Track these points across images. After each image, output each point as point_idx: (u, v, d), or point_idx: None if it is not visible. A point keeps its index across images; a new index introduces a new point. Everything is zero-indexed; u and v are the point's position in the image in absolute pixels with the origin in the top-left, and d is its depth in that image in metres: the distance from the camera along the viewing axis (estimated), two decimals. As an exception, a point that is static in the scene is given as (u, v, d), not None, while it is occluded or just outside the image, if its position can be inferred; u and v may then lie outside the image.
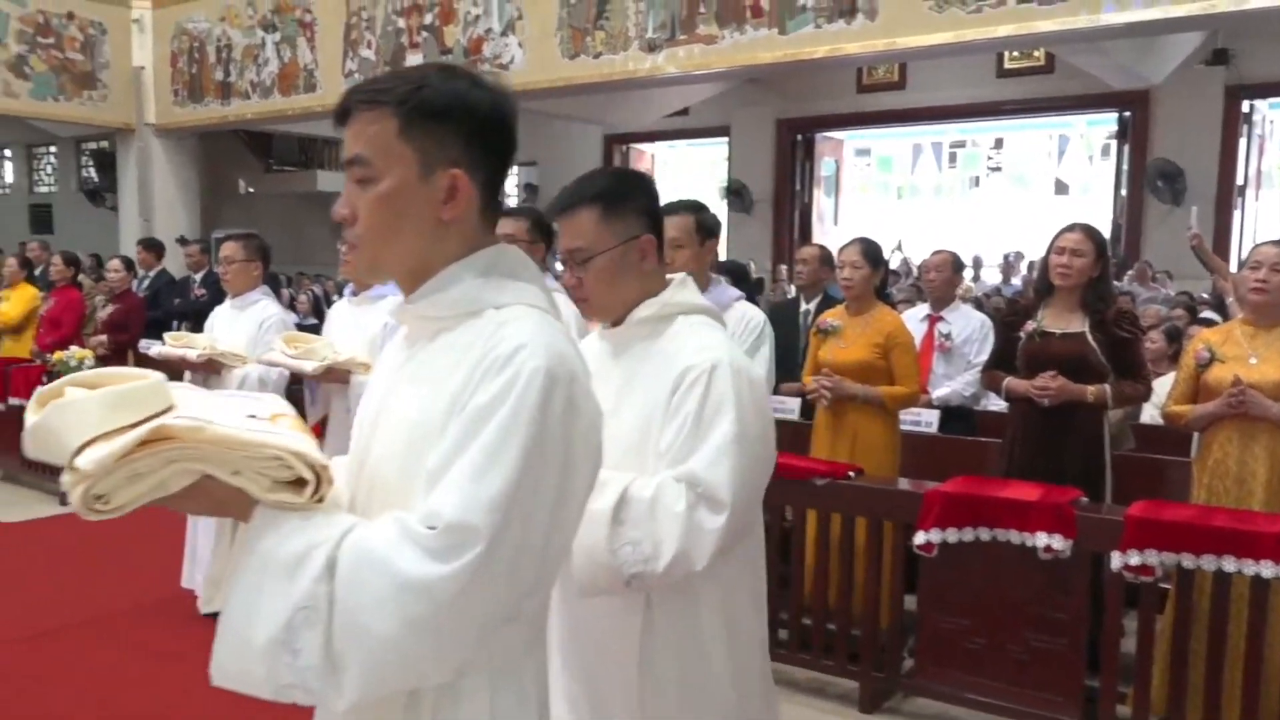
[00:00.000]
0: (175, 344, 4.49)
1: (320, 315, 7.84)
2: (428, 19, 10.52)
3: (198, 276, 8.55)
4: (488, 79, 1.42)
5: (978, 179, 16.32)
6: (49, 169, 20.12)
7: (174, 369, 4.33)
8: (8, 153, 20.84)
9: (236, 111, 12.44)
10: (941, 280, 5.45)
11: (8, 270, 8.25)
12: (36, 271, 8.91)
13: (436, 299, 1.40)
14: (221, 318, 4.71)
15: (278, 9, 11.82)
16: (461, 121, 1.36)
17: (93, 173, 18.47)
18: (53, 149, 19.67)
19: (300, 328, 5.09)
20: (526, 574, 1.28)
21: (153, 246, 9.16)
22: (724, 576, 1.93)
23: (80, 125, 13.77)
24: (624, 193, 1.94)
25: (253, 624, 1.23)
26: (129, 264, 7.96)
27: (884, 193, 16.94)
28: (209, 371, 4.47)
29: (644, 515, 1.78)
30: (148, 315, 7.77)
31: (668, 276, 2.03)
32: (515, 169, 18.42)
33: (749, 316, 3.17)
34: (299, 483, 1.28)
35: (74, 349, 6.54)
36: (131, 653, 4.30)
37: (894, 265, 11.17)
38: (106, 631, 4.50)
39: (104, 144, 16.96)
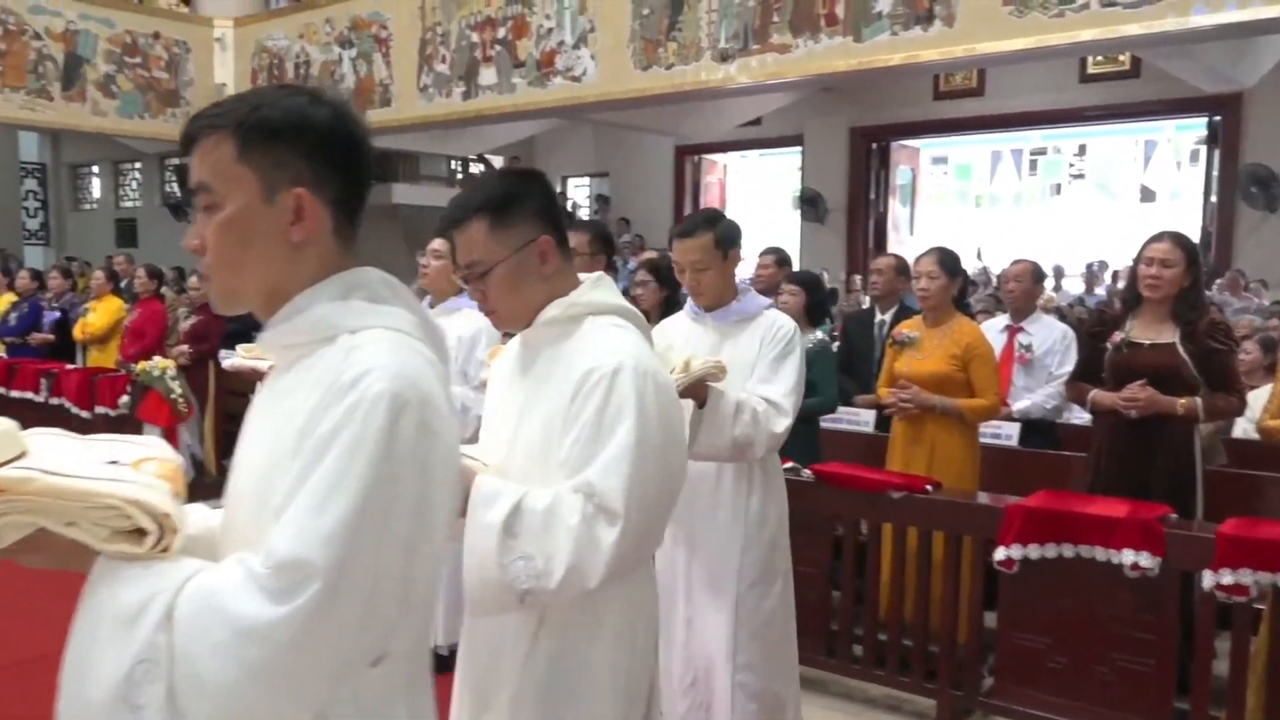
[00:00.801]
0: (247, 355, 4.57)
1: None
2: (501, 33, 10.62)
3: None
4: (330, 95, 1.37)
5: (1059, 186, 15.99)
6: (134, 184, 20.69)
7: (247, 380, 4.39)
8: (95, 169, 21.49)
9: (314, 126, 12.67)
10: (1021, 290, 5.33)
11: (95, 283, 8.52)
12: (122, 284, 9.16)
13: (290, 325, 1.33)
14: None
15: (355, 25, 12.03)
16: (300, 139, 1.31)
17: (175, 188, 18.95)
18: (138, 165, 20.23)
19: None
20: (384, 610, 1.20)
21: None
22: (613, 608, 1.83)
23: (164, 141, 14.16)
24: (512, 197, 1.86)
25: (90, 681, 1.15)
26: (111, 275, 8.11)
27: (961, 201, 16.69)
28: None
29: (538, 528, 1.68)
30: (227, 326, 7.93)
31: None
32: (587, 180, 18.61)
33: (778, 324, 3.07)
34: (143, 532, 1.21)
35: (156, 359, 6.70)
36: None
37: (972, 275, 10.96)
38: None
39: (186, 159, 17.37)
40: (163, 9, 13.38)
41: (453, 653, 4.14)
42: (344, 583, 1.15)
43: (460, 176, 17.72)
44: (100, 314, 8.16)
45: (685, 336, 3.15)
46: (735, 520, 3.04)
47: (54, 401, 7.51)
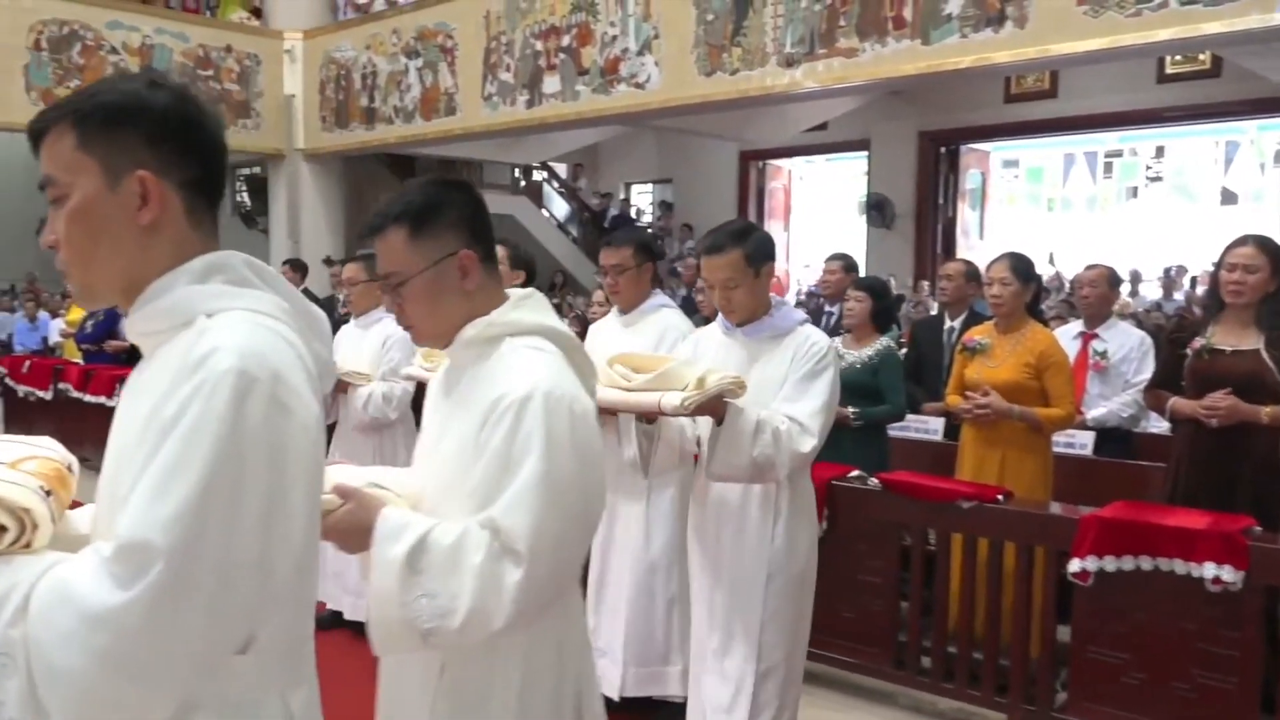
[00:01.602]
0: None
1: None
2: (565, 41, 10.66)
3: (343, 295, 8.82)
4: (171, 79, 1.34)
5: (1136, 189, 15.63)
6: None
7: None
8: (168, 180, 22.04)
9: (380, 136, 12.85)
10: (1097, 296, 5.21)
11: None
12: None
13: (148, 311, 1.30)
14: (346, 337, 4.84)
15: (421, 36, 12.17)
16: (139, 122, 1.29)
17: (246, 197, 19.35)
18: (210, 175, 20.69)
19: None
20: (240, 596, 1.18)
21: (298, 267, 9.49)
22: (523, 647, 1.72)
23: (235, 152, 14.45)
24: (434, 207, 1.76)
25: None
26: None
27: (1033, 205, 16.39)
28: (336, 390, 4.61)
29: (443, 564, 1.58)
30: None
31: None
32: (650, 186, 18.63)
33: (812, 341, 2.93)
34: (3, 529, 1.21)
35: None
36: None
37: (1045, 280, 10.75)
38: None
39: (257, 169, 17.76)
40: (235, 23, 13.66)
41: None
42: (189, 566, 1.13)
43: (524, 184, 17.85)
44: (174, 321, 8.32)
45: (716, 350, 3.07)
46: (760, 549, 2.96)
47: (129, 406, 7.69)
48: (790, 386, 2.87)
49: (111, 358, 8.63)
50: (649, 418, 2.93)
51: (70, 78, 11.84)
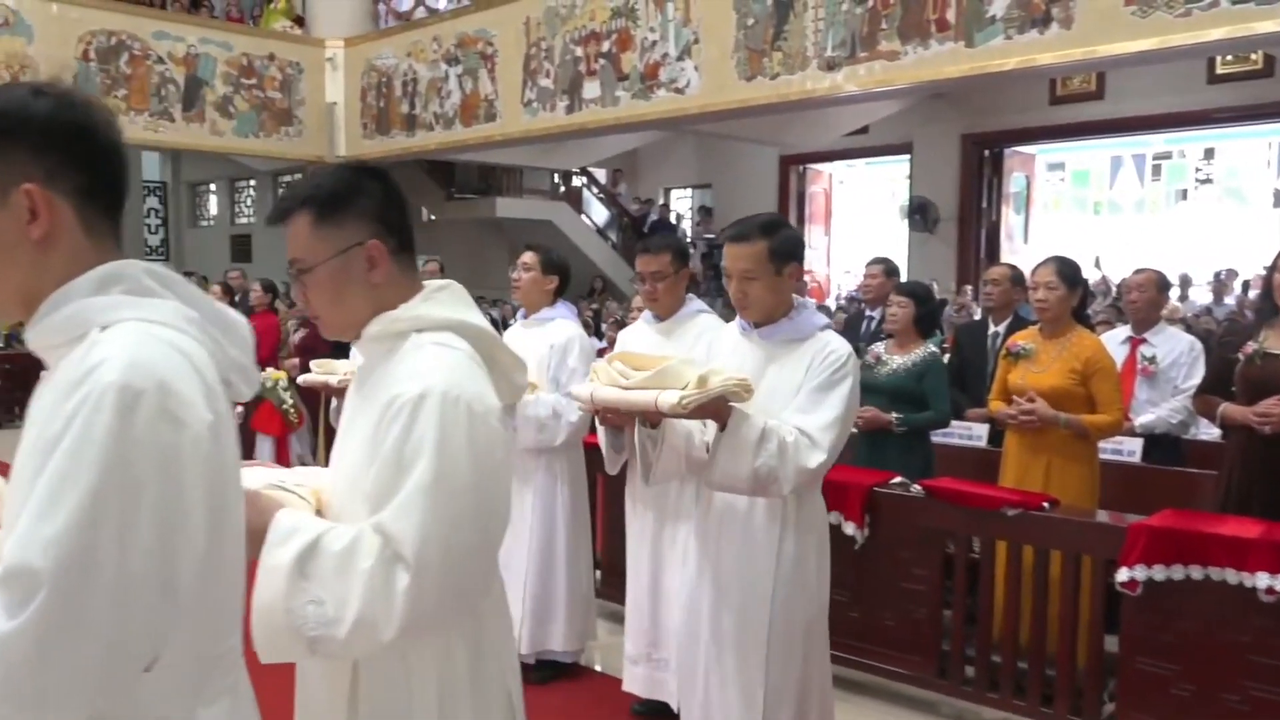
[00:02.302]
0: (319, 370, 4.65)
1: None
2: (605, 46, 10.68)
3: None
4: (55, 87, 1.30)
5: (1185, 192, 15.38)
6: (248, 201, 21.47)
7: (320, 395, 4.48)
8: (212, 187, 22.38)
9: (420, 142, 12.94)
10: (1145, 300, 5.12)
11: (212, 297, 8.78)
12: (236, 298, 9.44)
13: (44, 325, 1.26)
14: None
15: (461, 43, 12.24)
16: (22, 133, 1.25)
17: (288, 204, 19.57)
18: (252, 183, 20.99)
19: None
20: (140, 612, 1.14)
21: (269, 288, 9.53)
22: (437, 656, 1.66)
23: (277, 159, 14.61)
24: (342, 195, 1.68)
25: None
26: (227, 289, 8.34)
27: (1079, 208, 16.18)
28: (342, 395, 4.61)
29: (332, 570, 1.49)
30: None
31: (427, 283, 1.76)
32: (690, 191, 18.61)
33: (830, 348, 2.75)
34: None
35: (269, 371, 6.88)
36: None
37: (1091, 285, 10.60)
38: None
39: (299, 176, 17.95)
40: (277, 32, 13.83)
41: (539, 662, 4.20)
42: (76, 586, 1.09)
43: (563, 190, 17.91)
44: (218, 327, 8.42)
45: (731, 351, 2.93)
46: (767, 565, 2.80)
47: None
48: (804, 396, 2.71)
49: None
50: (652, 420, 2.70)
51: (118, 87, 12.05)
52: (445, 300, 1.73)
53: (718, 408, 2.57)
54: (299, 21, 14.16)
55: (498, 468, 1.61)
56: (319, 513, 1.67)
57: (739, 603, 2.83)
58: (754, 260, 2.76)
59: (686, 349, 3.54)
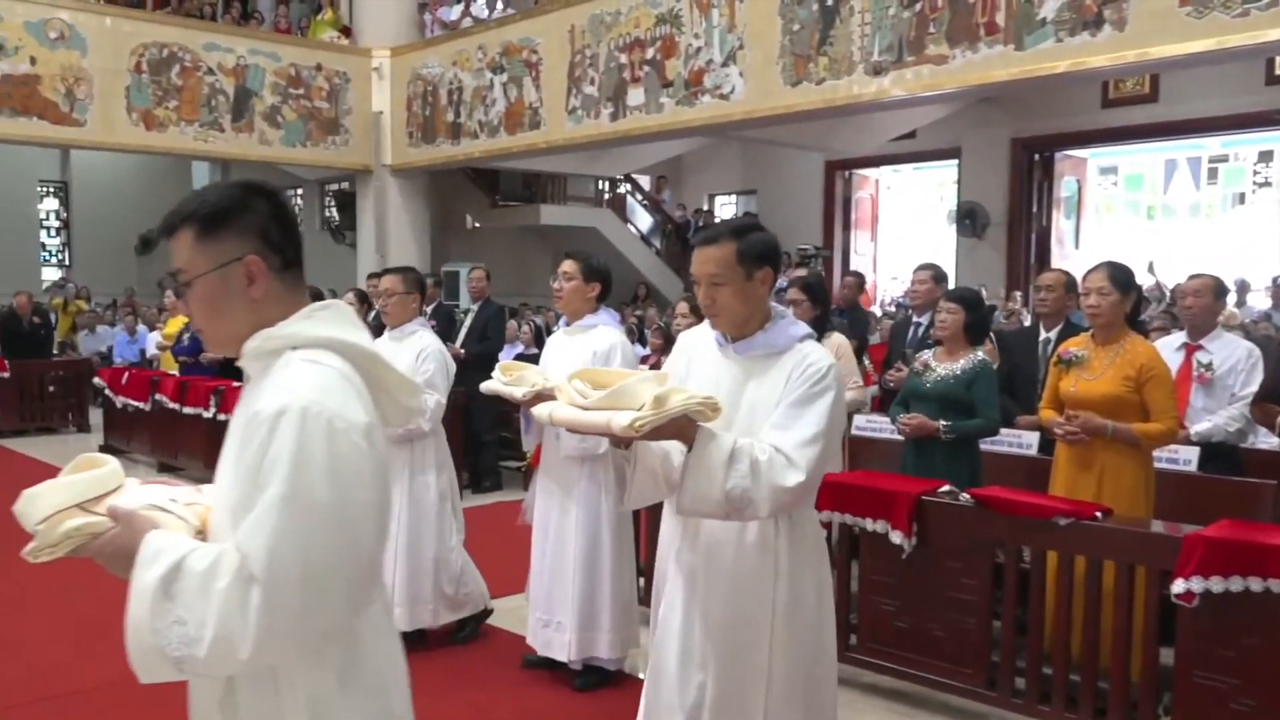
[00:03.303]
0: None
1: (541, 344, 8.04)
2: (649, 53, 10.68)
3: (428, 309, 8.91)
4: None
5: (1242, 196, 15.07)
6: (296, 209, 21.73)
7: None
8: (260, 196, 22.71)
9: (465, 150, 13.03)
10: (1201, 306, 5.02)
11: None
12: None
13: None
14: (381, 349, 4.83)
15: (506, 51, 12.32)
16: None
17: (334, 212, 19.83)
18: (299, 191, 21.26)
19: (520, 357, 5.20)
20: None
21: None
22: (305, 680, 1.64)
23: (324, 168, 14.77)
24: (225, 211, 1.69)
25: None
26: (362, 297, 8.41)
27: (1132, 213, 15.92)
28: None
29: (194, 590, 1.50)
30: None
31: (324, 304, 1.76)
32: (734, 198, 18.57)
33: (810, 360, 2.53)
34: None
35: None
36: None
37: (1145, 291, 10.42)
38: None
39: (345, 185, 18.17)
40: (325, 42, 14.01)
41: (586, 668, 4.20)
42: None
43: (607, 197, 17.95)
44: (266, 334, 8.52)
45: (709, 368, 2.71)
46: (760, 601, 2.57)
47: (222, 418, 7.89)
48: (780, 412, 2.49)
49: (207, 370, 8.86)
50: (624, 442, 2.50)
51: (169, 98, 12.27)
52: (325, 319, 1.72)
53: (680, 428, 2.38)
54: (346, 32, 14.32)
55: (363, 484, 1.58)
56: (202, 533, 1.66)
57: (731, 655, 2.60)
58: (722, 264, 2.58)
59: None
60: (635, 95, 10.82)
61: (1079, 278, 4.61)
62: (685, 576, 2.69)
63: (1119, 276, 4.17)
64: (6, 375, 10.81)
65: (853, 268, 16.58)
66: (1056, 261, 13.75)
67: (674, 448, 2.51)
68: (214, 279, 1.68)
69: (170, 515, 1.64)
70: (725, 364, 2.66)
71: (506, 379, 4.07)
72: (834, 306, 11.30)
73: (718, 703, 2.60)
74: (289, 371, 1.62)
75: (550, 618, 4.30)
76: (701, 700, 2.61)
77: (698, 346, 2.84)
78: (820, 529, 2.74)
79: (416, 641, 4.70)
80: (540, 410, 2.66)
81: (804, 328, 2.67)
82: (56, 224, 20.55)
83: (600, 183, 17.79)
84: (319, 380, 1.60)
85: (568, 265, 4.31)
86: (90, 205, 20.09)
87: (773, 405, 2.51)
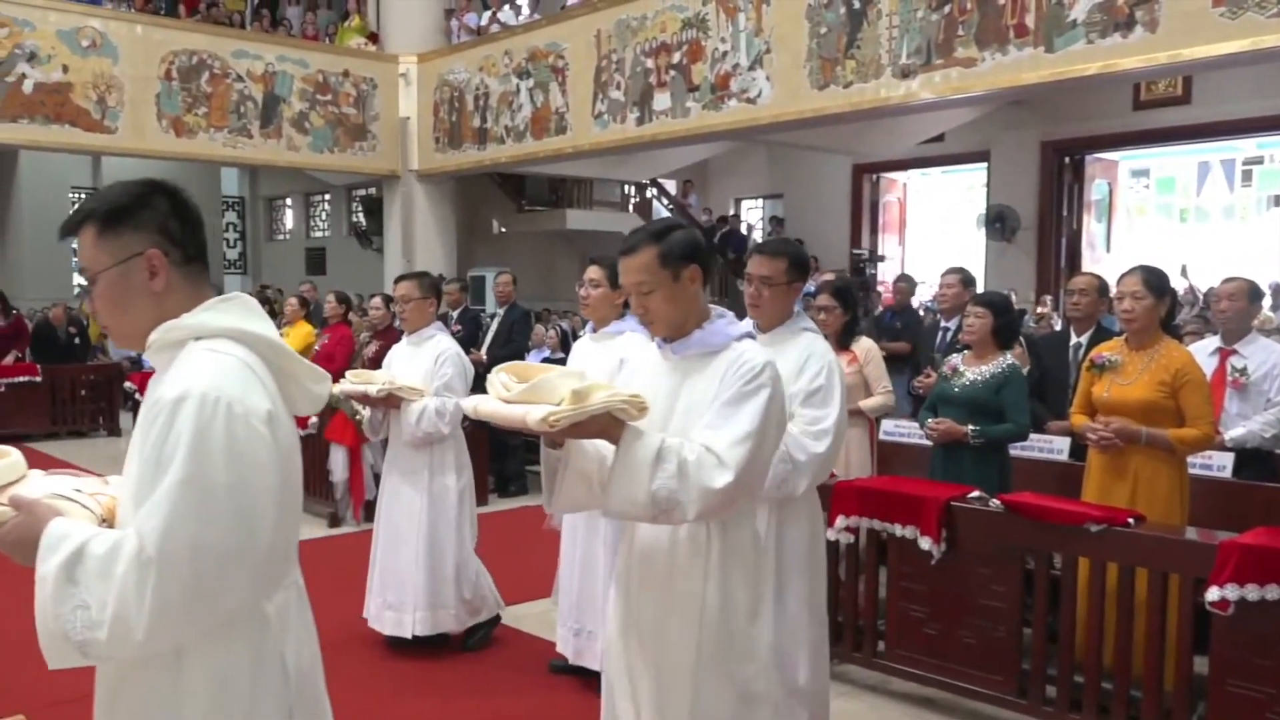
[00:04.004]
0: (356, 380, 4.68)
1: (567, 349, 8.04)
2: (676, 57, 10.67)
3: (455, 313, 8.94)
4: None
5: (1277, 198, 14.87)
6: (323, 215, 21.92)
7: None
8: (288, 202, 22.89)
9: (492, 155, 13.07)
10: (1235, 310, 4.95)
11: (289, 309, 8.95)
12: (310, 309, 9.61)
13: None
14: (399, 354, 4.90)
15: (532, 56, 12.35)
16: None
17: (361, 217, 19.96)
18: (327, 196, 21.42)
19: (547, 362, 5.20)
20: None
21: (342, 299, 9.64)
22: (212, 666, 1.65)
23: (351, 174, 14.86)
24: (125, 207, 1.72)
25: None
26: (389, 301, 8.42)
27: (1165, 216, 15.74)
28: (389, 406, 4.66)
29: (95, 573, 1.52)
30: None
31: (227, 296, 1.78)
32: (761, 202, 18.51)
33: (745, 358, 2.44)
34: None
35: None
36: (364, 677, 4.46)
37: (1179, 294, 10.29)
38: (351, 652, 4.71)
39: (372, 190, 18.28)
40: (352, 49, 14.10)
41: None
42: None
43: (634, 201, 17.95)
44: (293, 339, 8.57)
45: (652, 371, 2.63)
46: (689, 611, 2.44)
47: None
48: (713, 411, 2.39)
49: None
50: (557, 441, 2.46)
51: (198, 105, 12.40)
52: (228, 309, 1.75)
53: (604, 426, 2.29)
54: (373, 38, 14.41)
55: (261, 469, 1.61)
56: (106, 522, 1.69)
57: (660, 657, 2.49)
58: (645, 271, 2.49)
59: (784, 371, 3.31)
60: (662, 99, 10.82)
61: (1113, 281, 4.55)
62: (622, 585, 2.61)
63: (1153, 280, 4.12)
64: (39, 380, 10.93)
65: (882, 273, 16.49)
66: (1087, 265, 13.62)
67: (611, 450, 2.41)
68: (116, 274, 1.72)
69: (74, 504, 1.68)
70: (664, 365, 2.59)
71: (356, 380, 4.31)
72: (885, 309, 11.30)
73: (652, 708, 2.51)
74: (190, 360, 1.65)
75: (581, 626, 4.27)
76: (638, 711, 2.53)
77: (647, 354, 2.76)
78: (758, 532, 2.58)
79: (437, 646, 4.70)
80: (467, 402, 2.62)
81: (743, 327, 2.58)
82: (87, 230, 20.74)
83: (626, 187, 17.79)
84: (218, 367, 1.64)
85: (594, 272, 4.29)
86: (121, 211, 20.26)
87: (708, 405, 2.42)
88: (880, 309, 11.65)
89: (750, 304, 3.40)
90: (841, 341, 5.22)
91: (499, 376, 2.43)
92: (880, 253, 16.52)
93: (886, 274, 15.92)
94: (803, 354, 3.25)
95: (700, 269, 2.51)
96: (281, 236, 23.32)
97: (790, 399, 3.17)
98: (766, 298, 3.34)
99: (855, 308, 5.41)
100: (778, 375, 2.46)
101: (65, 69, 11.58)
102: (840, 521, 4.23)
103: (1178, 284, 11.07)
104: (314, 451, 7.47)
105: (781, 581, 2.89)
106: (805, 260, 3.52)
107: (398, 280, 5.03)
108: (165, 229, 1.74)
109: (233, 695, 1.66)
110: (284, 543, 1.72)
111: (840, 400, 3.14)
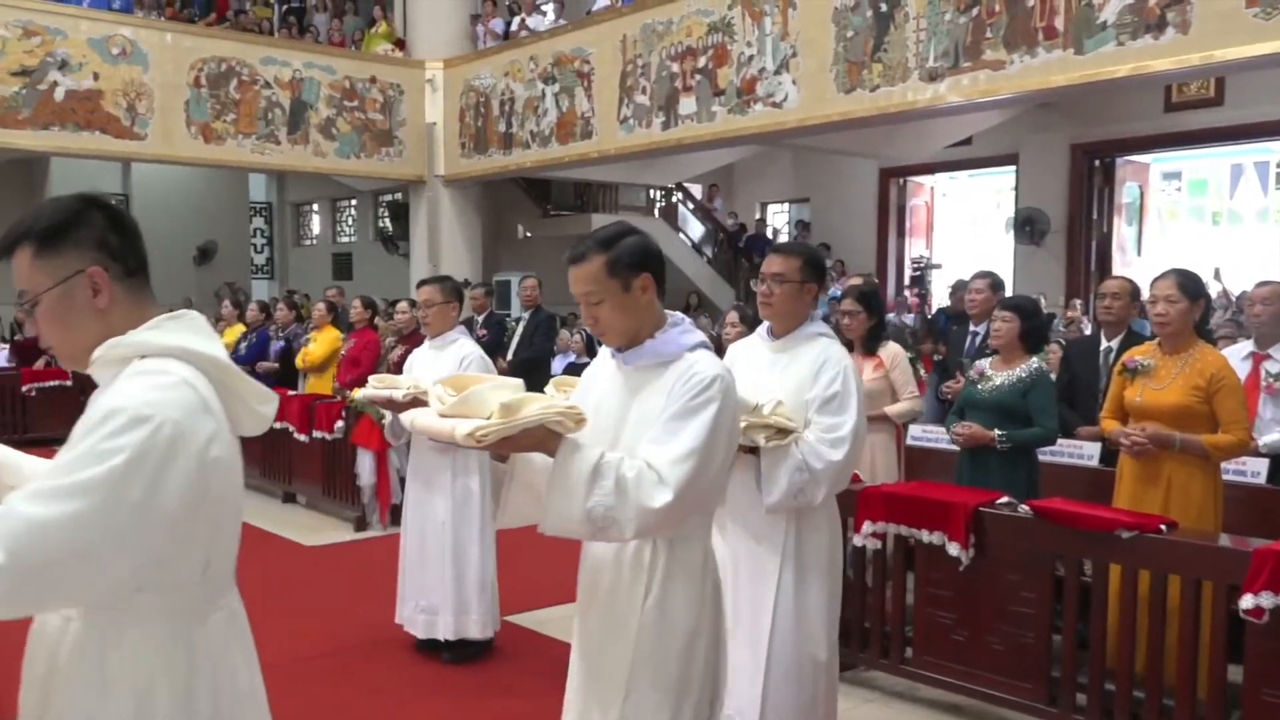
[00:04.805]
0: (380, 386, 4.69)
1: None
2: (701, 62, 10.66)
3: (480, 318, 8.96)
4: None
5: (1314, 200, 14.69)
6: (349, 220, 22.06)
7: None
8: (315, 207, 23.05)
9: (517, 160, 13.10)
10: (1270, 314, 4.88)
11: (316, 314, 8.99)
12: (337, 314, 9.65)
13: None
14: (421, 358, 4.89)
15: (558, 61, 12.37)
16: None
17: (387, 223, 20.08)
18: (353, 202, 21.54)
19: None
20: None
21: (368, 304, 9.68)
22: (126, 663, 1.62)
23: (378, 179, 14.94)
24: (60, 226, 1.68)
25: None
26: (415, 306, 8.45)
27: (1197, 219, 15.57)
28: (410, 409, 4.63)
29: None
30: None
31: (175, 314, 1.74)
32: (787, 206, 18.46)
33: (695, 370, 2.30)
34: None
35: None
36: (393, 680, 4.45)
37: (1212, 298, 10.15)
38: (388, 654, 4.72)
39: (398, 195, 18.37)
40: (379, 55, 14.18)
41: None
42: None
43: (659, 205, 17.93)
44: (320, 344, 8.61)
45: (605, 383, 2.50)
46: (624, 632, 2.33)
47: (277, 426, 7.96)
48: (659, 425, 2.26)
49: (262, 378, 8.95)
50: (501, 454, 2.36)
51: (227, 112, 12.50)
52: (174, 328, 1.72)
53: (539, 439, 2.18)
54: (400, 45, 14.49)
55: (183, 489, 1.56)
56: None
57: (601, 675, 2.39)
58: (593, 280, 2.36)
59: (798, 377, 3.19)
60: (687, 104, 10.80)
61: (1145, 285, 4.50)
62: (579, 607, 2.51)
63: (1187, 284, 4.06)
64: (69, 384, 11.03)
65: (908, 277, 16.40)
66: (1118, 268, 13.49)
67: None
68: (58, 294, 1.68)
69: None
70: (617, 376, 2.46)
71: (380, 385, 4.26)
72: (941, 311, 11.21)
73: None
74: (131, 378, 1.62)
75: None
76: None
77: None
78: (711, 552, 2.43)
79: (458, 651, 4.68)
80: (405, 415, 2.56)
81: (696, 337, 2.42)
82: (118, 235, 20.97)
83: (652, 192, 17.79)
84: (158, 386, 1.60)
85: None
86: (150, 217, 20.39)
87: (656, 419, 2.29)
88: (934, 312, 11.56)
89: (762, 302, 3.32)
90: (867, 346, 5.18)
91: (437, 388, 2.36)
92: (935, 260, 16.41)
93: (942, 281, 15.84)
94: (818, 359, 3.18)
95: (652, 277, 2.39)
96: (308, 242, 23.47)
97: (806, 405, 3.12)
98: (778, 295, 3.26)
99: (881, 312, 5.37)
100: (730, 387, 2.31)
101: (96, 77, 11.71)
102: (867, 527, 4.19)
103: (1211, 288, 10.96)
104: (341, 456, 7.50)
105: (801, 591, 2.86)
106: (821, 262, 3.45)
107: (420, 284, 5.04)
108: (104, 244, 1.71)
109: (154, 714, 1.64)
110: (217, 566, 1.69)
111: (857, 406, 3.09)
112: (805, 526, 3.09)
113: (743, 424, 2.80)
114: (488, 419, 2.14)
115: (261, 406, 1.80)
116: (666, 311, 2.47)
